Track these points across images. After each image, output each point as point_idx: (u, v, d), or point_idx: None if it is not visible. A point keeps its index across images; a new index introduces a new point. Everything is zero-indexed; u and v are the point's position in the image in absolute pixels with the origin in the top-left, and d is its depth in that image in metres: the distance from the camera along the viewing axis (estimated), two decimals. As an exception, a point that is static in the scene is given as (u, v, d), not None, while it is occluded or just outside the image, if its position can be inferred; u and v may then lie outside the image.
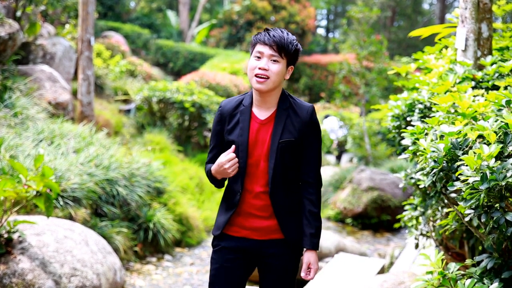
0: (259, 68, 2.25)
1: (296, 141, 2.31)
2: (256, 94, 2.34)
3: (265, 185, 2.33)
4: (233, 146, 2.30)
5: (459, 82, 3.04)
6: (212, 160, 2.42)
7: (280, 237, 2.35)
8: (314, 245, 2.33)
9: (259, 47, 2.27)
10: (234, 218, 2.37)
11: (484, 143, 2.16)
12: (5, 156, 4.55)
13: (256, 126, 2.33)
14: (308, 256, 2.34)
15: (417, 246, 3.87)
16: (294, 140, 2.31)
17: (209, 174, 2.38)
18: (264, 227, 2.34)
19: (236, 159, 2.27)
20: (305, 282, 4.87)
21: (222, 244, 2.38)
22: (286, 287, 2.38)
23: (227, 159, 2.25)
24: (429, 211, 3.60)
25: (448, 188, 2.24)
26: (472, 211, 2.17)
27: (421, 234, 3.80)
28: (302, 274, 2.36)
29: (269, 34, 2.26)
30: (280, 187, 2.32)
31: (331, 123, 13.43)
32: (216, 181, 2.39)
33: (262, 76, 2.25)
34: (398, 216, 4.14)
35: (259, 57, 2.27)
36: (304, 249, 2.36)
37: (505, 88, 2.78)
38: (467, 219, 2.24)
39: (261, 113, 2.34)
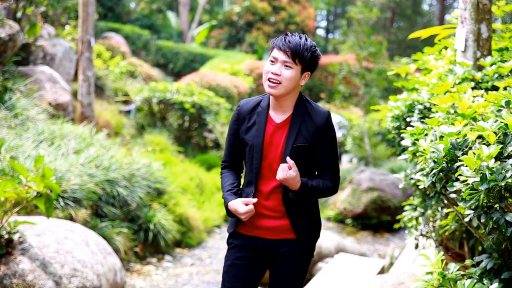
0: (272, 73, 2.26)
1: (309, 146, 2.31)
2: (272, 97, 2.35)
3: (276, 187, 2.35)
4: (252, 205, 2.29)
5: (459, 83, 3.04)
6: (227, 158, 2.49)
7: (292, 237, 2.37)
8: (304, 182, 2.27)
9: (275, 52, 2.28)
10: None
11: (484, 144, 2.16)
12: (6, 157, 4.56)
13: (271, 129, 2.35)
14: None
15: (417, 246, 3.87)
16: (307, 145, 2.31)
17: (224, 200, 2.41)
18: (275, 226, 2.37)
19: (254, 210, 2.30)
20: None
21: (235, 242, 2.43)
22: (296, 286, 2.40)
23: (244, 211, 2.28)
24: (429, 212, 3.60)
25: (448, 188, 2.24)
26: (472, 211, 2.17)
27: (421, 234, 3.80)
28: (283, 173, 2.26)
29: (285, 40, 2.26)
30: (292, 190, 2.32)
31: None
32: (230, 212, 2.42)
33: (274, 81, 2.26)
34: (398, 217, 4.14)
35: (273, 62, 2.28)
36: None
37: (505, 88, 2.78)
38: (466, 219, 2.25)
39: (277, 116, 2.36)
